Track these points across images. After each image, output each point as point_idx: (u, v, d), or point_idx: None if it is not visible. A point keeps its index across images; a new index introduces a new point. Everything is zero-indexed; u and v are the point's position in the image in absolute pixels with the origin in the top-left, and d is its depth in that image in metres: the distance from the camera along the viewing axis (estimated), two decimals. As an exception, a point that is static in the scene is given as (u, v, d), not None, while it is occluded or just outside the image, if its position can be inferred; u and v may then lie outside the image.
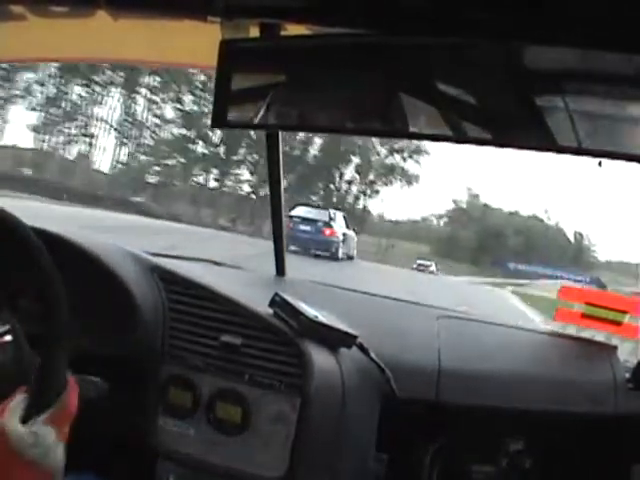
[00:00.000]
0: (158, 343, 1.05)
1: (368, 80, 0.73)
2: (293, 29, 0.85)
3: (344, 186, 30.56)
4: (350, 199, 31.41)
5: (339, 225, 11.93)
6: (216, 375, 1.03)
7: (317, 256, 10.54)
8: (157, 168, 28.41)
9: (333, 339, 1.05)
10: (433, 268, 21.11)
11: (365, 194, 32.23)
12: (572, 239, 44.25)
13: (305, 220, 11.12)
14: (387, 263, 21.71)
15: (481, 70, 0.68)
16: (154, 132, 28.28)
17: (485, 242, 37.23)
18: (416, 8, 0.68)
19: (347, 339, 1.06)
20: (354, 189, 31.91)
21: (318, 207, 12.48)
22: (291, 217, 10.91)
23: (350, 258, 12.43)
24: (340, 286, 1.62)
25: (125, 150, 28.80)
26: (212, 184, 29.15)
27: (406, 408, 1.14)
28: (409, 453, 1.23)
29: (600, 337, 1.30)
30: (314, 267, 8.99)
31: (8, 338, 0.74)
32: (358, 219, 26.63)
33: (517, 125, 0.70)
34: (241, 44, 0.83)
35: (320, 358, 1.01)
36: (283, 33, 0.87)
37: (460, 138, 0.71)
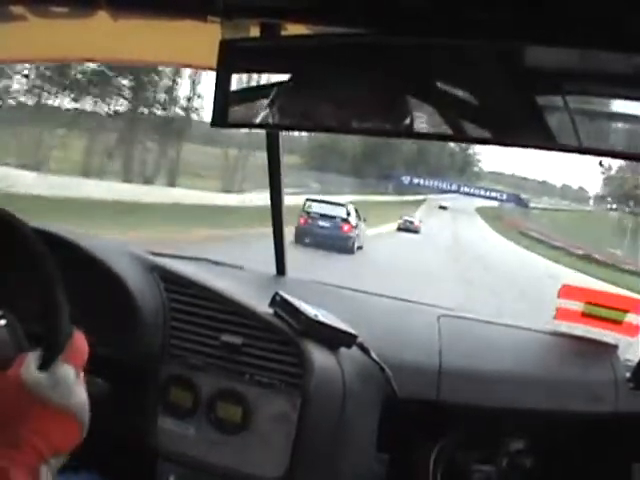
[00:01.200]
0: (158, 343, 1.05)
1: (368, 80, 0.73)
2: (293, 29, 0.85)
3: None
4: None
5: (353, 219, 12.06)
6: (216, 375, 1.03)
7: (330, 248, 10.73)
8: None
9: (333, 339, 1.05)
10: (417, 223, 20.11)
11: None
12: (457, 148, 39.62)
13: (323, 216, 11.32)
14: (245, 180, 18.51)
15: (481, 70, 0.67)
16: None
17: (371, 150, 28.87)
18: (416, 8, 0.68)
19: (347, 338, 1.06)
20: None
21: (329, 202, 12.58)
22: (308, 213, 11.25)
23: (360, 248, 12.54)
24: (341, 285, 1.62)
25: None
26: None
27: (407, 408, 1.14)
28: (410, 453, 1.23)
29: (600, 336, 1.30)
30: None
31: (2, 322, 0.74)
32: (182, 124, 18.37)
33: (518, 124, 0.70)
34: (241, 44, 0.82)
35: (320, 358, 1.01)
36: (283, 33, 0.86)
37: (461, 137, 0.71)
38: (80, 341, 0.72)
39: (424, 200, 31.49)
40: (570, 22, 0.61)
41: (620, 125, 0.68)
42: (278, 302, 1.07)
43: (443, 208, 31.39)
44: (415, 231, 19.40)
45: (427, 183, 30.04)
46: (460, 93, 0.70)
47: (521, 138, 0.70)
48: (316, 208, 11.60)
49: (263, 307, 1.07)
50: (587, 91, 0.67)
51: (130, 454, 1.06)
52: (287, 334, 1.02)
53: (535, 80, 0.67)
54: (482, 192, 31.52)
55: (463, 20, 0.65)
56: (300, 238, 10.46)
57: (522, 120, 0.69)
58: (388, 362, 1.10)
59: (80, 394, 0.68)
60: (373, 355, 1.09)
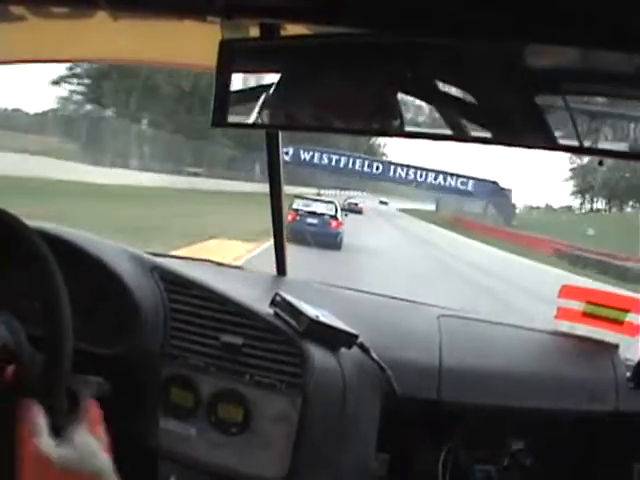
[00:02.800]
0: (159, 343, 1.05)
1: (369, 80, 0.73)
2: (293, 29, 0.85)
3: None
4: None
5: (340, 214, 12.15)
6: (217, 375, 1.03)
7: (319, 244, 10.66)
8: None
9: (334, 339, 1.05)
10: (361, 205, 20.15)
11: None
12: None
13: (312, 214, 11.38)
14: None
15: (481, 69, 0.68)
16: None
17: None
18: (416, 8, 0.68)
19: (348, 338, 1.06)
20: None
21: (318, 200, 12.58)
22: (297, 210, 11.21)
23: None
24: (341, 286, 1.62)
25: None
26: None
27: (407, 407, 1.14)
28: (411, 453, 1.24)
29: (600, 335, 1.30)
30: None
31: (3, 328, 0.74)
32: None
33: (518, 124, 0.70)
34: (241, 44, 0.83)
35: (321, 358, 1.01)
36: (283, 33, 0.86)
37: (461, 137, 0.71)
38: (94, 409, 0.72)
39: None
40: (570, 22, 0.60)
41: (620, 125, 0.68)
42: (278, 302, 1.07)
43: (383, 203, 24.81)
44: (359, 212, 18.54)
45: (325, 161, 16.10)
46: (460, 93, 0.70)
47: (521, 138, 0.70)
48: (304, 205, 11.66)
49: (263, 307, 1.07)
50: (587, 91, 0.67)
51: (131, 454, 1.06)
52: (287, 334, 1.02)
53: (535, 80, 0.67)
54: (432, 179, 18.28)
55: (463, 20, 0.65)
56: (288, 235, 10.40)
57: (522, 120, 0.69)
58: (388, 362, 1.10)
59: (105, 457, 0.68)
60: (373, 355, 1.09)
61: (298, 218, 11.23)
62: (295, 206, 11.49)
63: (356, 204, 19.90)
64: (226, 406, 1.02)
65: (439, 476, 1.21)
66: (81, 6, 0.98)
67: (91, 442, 0.67)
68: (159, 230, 8.72)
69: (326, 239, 11.04)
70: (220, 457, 1.01)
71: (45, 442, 0.65)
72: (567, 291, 1.35)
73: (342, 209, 17.24)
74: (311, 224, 11.27)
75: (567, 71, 0.66)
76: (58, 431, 0.67)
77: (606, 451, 1.24)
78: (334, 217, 11.76)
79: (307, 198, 12.36)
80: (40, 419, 0.67)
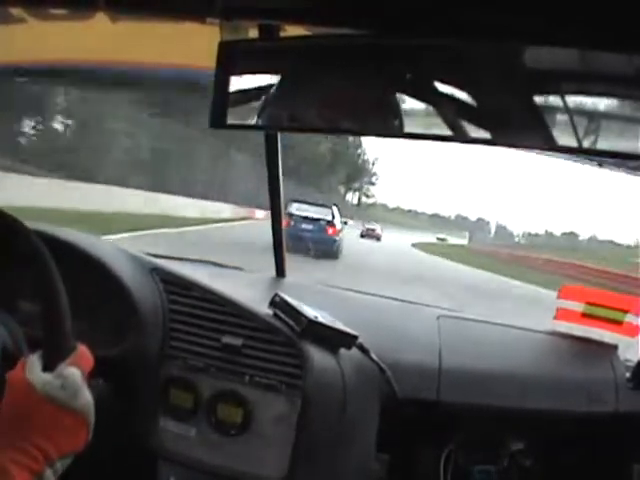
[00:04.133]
0: (158, 344, 1.05)
1: (367, 80, 0.73)
2: (292, 30, 0.85)
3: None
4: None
5: (338, 221, 11.87)
6: (217, 376, 1.03)
7: (316, 256, 10.32)
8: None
9: (333, 339, 1.05)
10: (379, 231, 21.06)
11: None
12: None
13: (307, 219, 11.05)
14: None
15: (481, 70, 0.68)
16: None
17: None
18: (416, 9, 0.68)
19: (347, 339, 1.06)
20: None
21: (314, 204, 12.31)
22: (291, 215, 10.83)
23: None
24: (340, 287, 1.62)
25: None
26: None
27: (407, 408, 1.14)
28: (411, 453, 1.24)
29: (600, 336, 1.30)
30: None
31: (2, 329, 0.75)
32: None
33: (517, 125, 0.70)
34: (240, 45, 0.83)
35: (320, 358, 1.01)
36: (282, 34, 0.87)
37: (460, 138, 0.71)
38: (85, 349, 0.73)
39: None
40: (570, 22, 0.61)
41: (620, 125, 0.68)
42: (278, 303, 1.07)
43: (442, 240, 23.64)
44: (377, 238, 19.62)
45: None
46: (460, 94, 0.70)
47: (520, 139, 0.70)
48: (298, 209, 11.30)
49: (263, 308, 1.07)
50: (587, 91, 0.67)
51: (130, 455, 1.06)
52: (287, 335, 1.02)
53: (535, 80, 0.67)
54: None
55: (462, 21, 0.65)
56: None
57: (521, 120, 0.69)
58: (388, 363, 1.10)
59: (87, 396, 0.69)
60: (373, 356, 1.09)
61: (292, 223, 10.69)
62: (290, 210, 11.09)
63: (373, 230, 20.33)
64: (226, 407, 1.02)
65: (439, 477, 1.21)
66: (81, 8, 0.98)
67: (76, 377, 0.68)
68: None
69: (322, 246, 10.61)
70: (220, 458, 1.01)
71: (32, 370, 0.66)
72: (566, 292, 1.35)
73: (361, 235, 17.53)
74: (306, 230, 10.86)
75: (567, 71, 0.66)
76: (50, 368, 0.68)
77: (606, 451, 1.24)
78: (331, 223, 11.43)
79: (303, 202, 12.06)
80: (34, 355, 0.68)
